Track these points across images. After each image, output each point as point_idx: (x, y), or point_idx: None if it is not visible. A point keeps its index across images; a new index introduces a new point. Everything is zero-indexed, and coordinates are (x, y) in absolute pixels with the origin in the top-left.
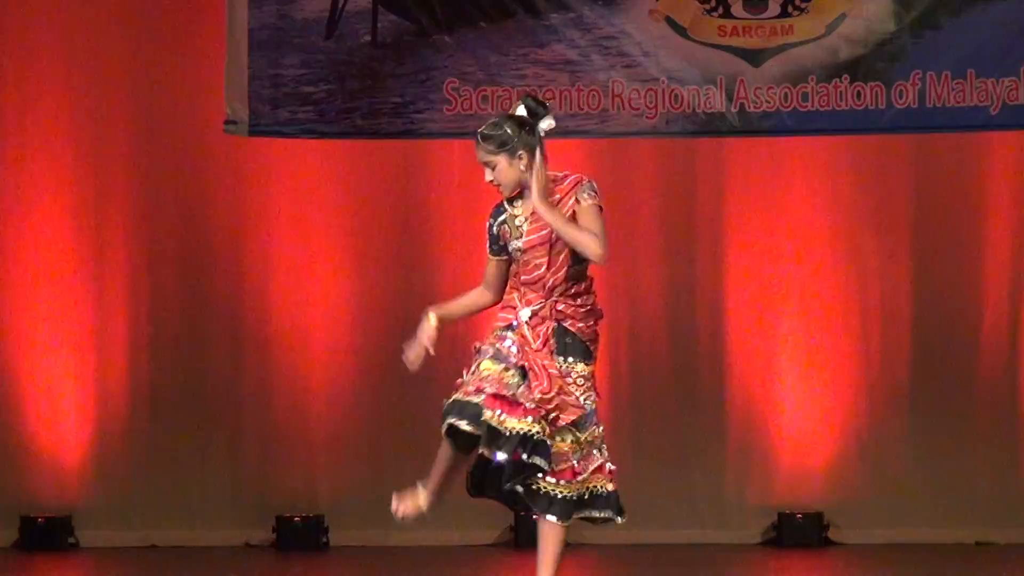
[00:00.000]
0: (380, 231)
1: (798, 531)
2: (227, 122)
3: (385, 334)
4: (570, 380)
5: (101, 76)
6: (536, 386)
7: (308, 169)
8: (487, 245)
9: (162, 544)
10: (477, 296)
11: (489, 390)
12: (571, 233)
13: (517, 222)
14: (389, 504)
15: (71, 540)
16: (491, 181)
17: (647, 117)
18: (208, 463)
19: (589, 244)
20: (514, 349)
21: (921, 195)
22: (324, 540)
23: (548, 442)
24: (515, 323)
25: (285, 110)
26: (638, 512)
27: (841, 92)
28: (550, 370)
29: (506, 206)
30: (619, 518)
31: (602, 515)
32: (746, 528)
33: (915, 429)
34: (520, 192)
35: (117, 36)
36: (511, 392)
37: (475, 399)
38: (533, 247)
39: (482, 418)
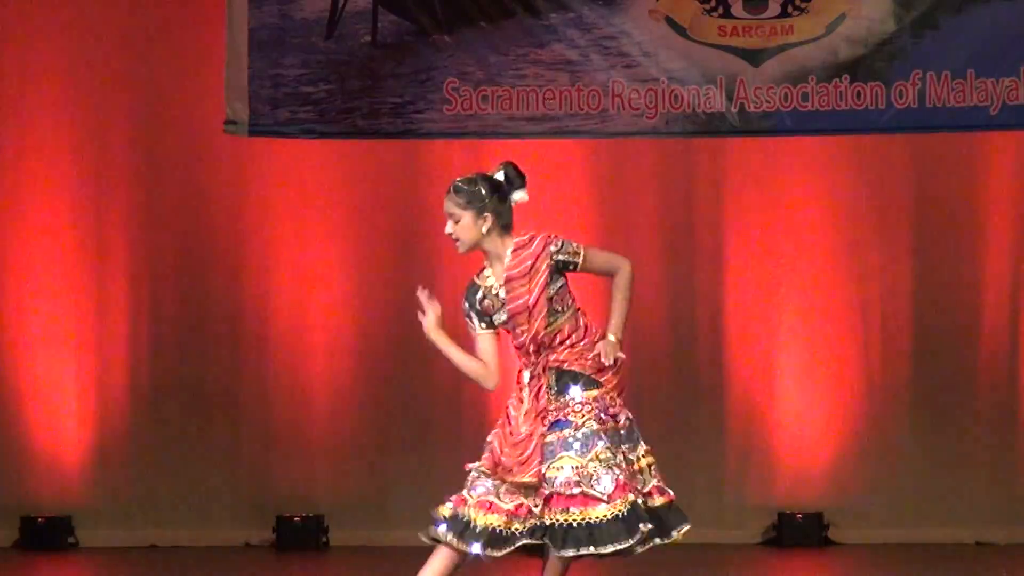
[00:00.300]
0: (380, 231)
1: (798, 531)
2: (227, 122)
3: (385, 334)
4: (567, 410)
5: (101, 76)
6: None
7: (308, 169)
8: (473, 324)
9: (162, 544)
10: (482, 372)
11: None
12: (628, 306)
13: (494, 291)
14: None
15: (71, 540)
16: (450, 234)
17: (647, 117)
18: (208, 463)
19: (626, 282)
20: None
21: (921, 195)
22: (324, 540)
23: (479, 527)
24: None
25: (285, 110)
26: None
27: (841, 92)
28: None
29: (478, 282)
30: (661, 538)
31: (632, 544)
32: (746, 528)
33: (915, 429)
34: (486, 262)
35: (117, 36)
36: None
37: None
38: (516, 315)
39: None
